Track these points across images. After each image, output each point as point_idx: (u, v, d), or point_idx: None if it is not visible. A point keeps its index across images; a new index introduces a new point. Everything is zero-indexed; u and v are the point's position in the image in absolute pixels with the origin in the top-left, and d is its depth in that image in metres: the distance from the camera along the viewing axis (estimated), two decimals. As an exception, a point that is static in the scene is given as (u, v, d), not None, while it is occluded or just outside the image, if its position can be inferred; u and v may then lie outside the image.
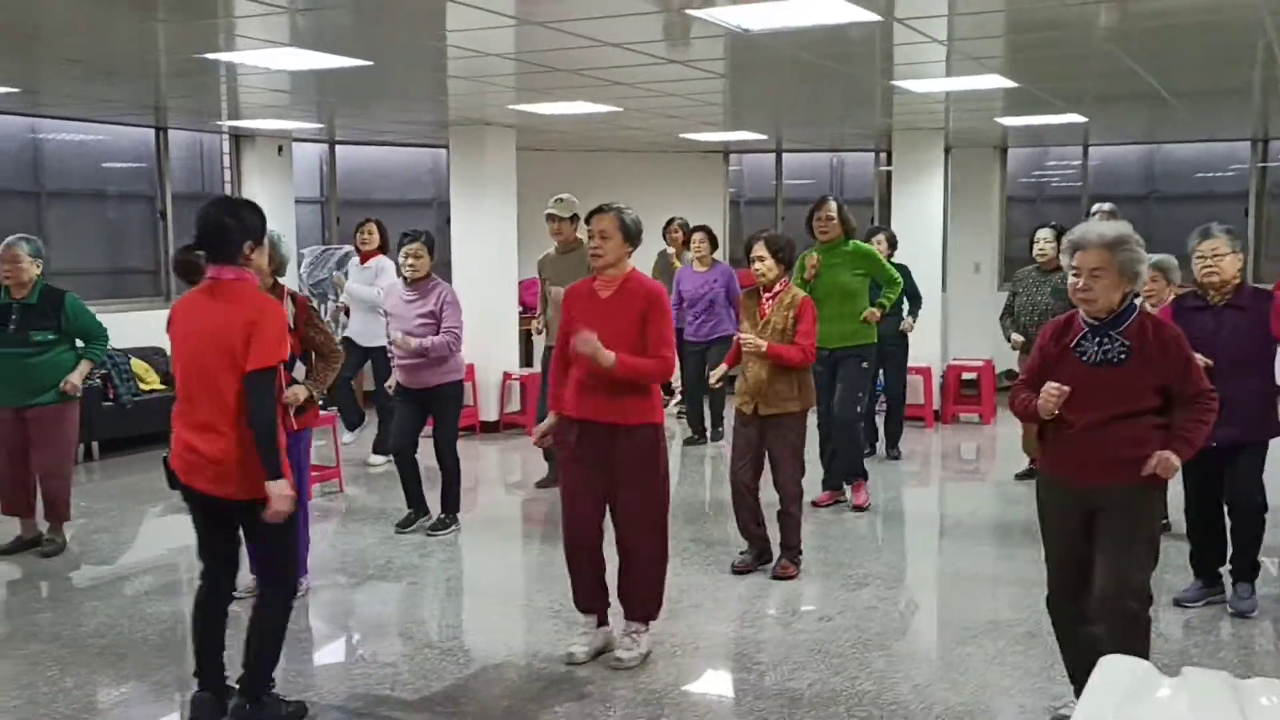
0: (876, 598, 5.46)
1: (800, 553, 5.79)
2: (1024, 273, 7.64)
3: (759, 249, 5.67)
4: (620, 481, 4.50)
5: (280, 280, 5.16)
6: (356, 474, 8.19)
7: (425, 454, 6.63)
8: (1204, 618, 5.10)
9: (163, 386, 9.02)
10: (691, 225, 9.63)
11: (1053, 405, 3.62)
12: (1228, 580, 5.21)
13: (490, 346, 9.70)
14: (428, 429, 6.60)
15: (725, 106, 9.00)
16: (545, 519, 7.10)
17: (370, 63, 6.46)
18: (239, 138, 10.67)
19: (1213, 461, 4.79)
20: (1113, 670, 2.47)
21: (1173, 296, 5.27)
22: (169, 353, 4.03)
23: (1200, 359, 3.87)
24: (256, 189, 10.47)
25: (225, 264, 3.87)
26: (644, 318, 4.50)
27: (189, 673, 4.52)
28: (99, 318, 6.29)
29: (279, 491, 3.75)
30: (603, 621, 4.73)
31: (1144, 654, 3.41)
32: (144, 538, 6.91)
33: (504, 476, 8.88)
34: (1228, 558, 5.20)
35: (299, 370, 5.02)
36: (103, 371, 8.48)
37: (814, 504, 6.97)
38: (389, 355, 6.77)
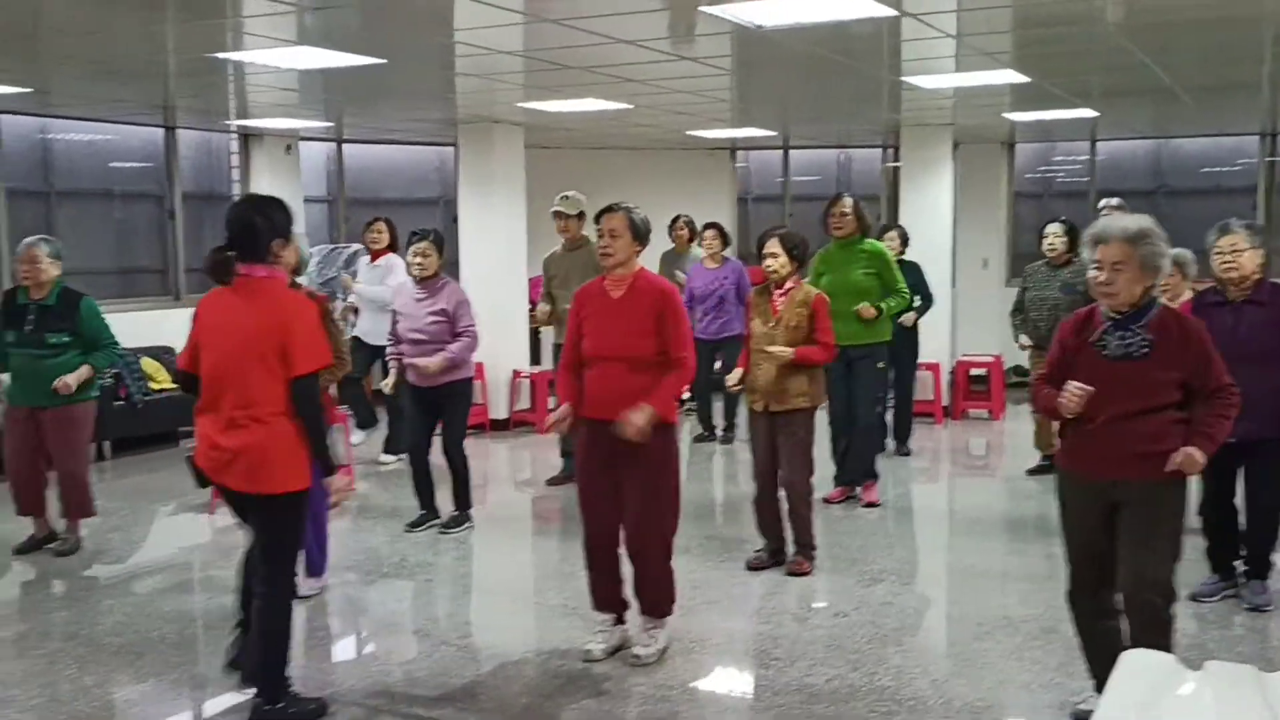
0: (891, 593, 5.46)
1: (814, 549, 5.80)
2: (1034, 268, 7.64)
3: (772, 245, 5.66)
4: (629, 479, 4.50)
5: (299, 280, 5.17)
6: (367, 472, 8.22)
7: (434, 453, 6.65)
8: (1219, 612, 5.10)
9: (173, 386, 9.02)
10: (699, 223, 9.63)
11: (1075, 405, 3.61)
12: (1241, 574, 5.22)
13: (500, 345, 9.70)
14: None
15: (734, 103, 9.00)
16: (557, 516, 7.11)
17: (381, 61, 6.47)
18: (247, 137, 10.68)
19: (1230, 457, 4.78)
20: (1136, 664, 2.47)
21: (1189, 291, 5.26)
22: (193, 350, 4.02)
23: None
24: (265, 188, 10.46)
25: (255, 262, 3.90)
26: (659, 318, 4.50)
27: (207, 671, 4.56)
28: (109, 318, 6.29)
29: (339, 485, 4.09)
30: (620, 620, 4.73)
31: (1167, 649, 3.41)
32: (156, 536, 6.93)
33: (514, 474, 8.89)
34: (1243, 553, 5.20)
35: None
36: (114, 371, 8.49)
37: (826, 500, 6.98)
38: (387, 355, 6.77)
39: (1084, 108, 8.96)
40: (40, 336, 5.98)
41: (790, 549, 5.80)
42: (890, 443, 8.63)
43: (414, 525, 6.63)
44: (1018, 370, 10.67)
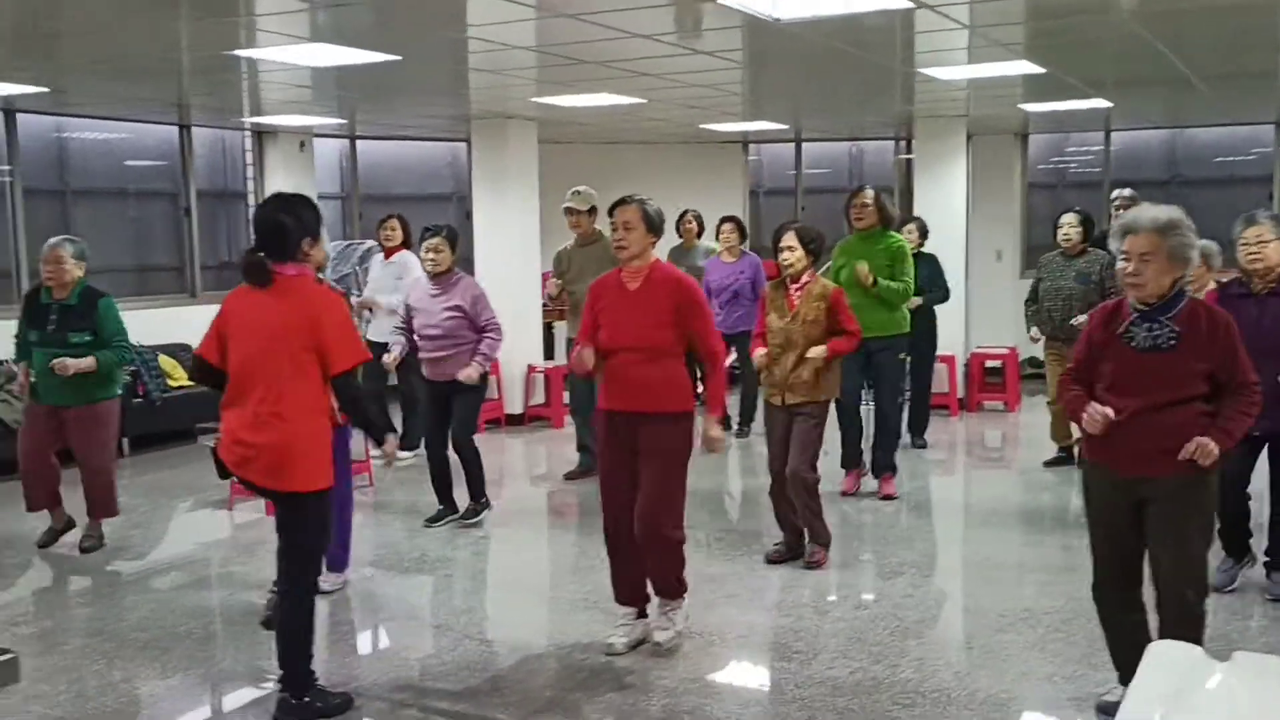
0: (911, 585, 5.47)
1: (828, 541, 5.77)
2: (1049, 258, 7.63)
3: (788, 239, 5.66)
4: (647, 465, 4.51)
5: (321, 277, 5.19)
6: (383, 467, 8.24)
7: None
8: (1241, 603, 5.09)
9: (190, 383, 9.06)
10: (711, 217, 9.62)
11: (1097, 430, 3.60)
12: (1260, 568, 5.21)
13: (514, 340, 9.65)
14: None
15: (746, 96, 8.99)
16: (574, 511, 7.13)
17: (394, 57, 6.48)
18: (261, 134, 10.72)
19: (1251, 447, 4.77)
20: (1163, 656, 2.47)
21: (1213, 282, 5.24)
22: (217, 341, 4.04)
23: None
24: (279, 185, 10.49)
25: (286, 261, 3.92)
26: (677, 309, 4.52)
27: (234, 666, 4.59)
28: (125, 315, 6.28)
29: (390, 450, 4.34)
30: (642, 613, 4.74)
31: (1199, 644, 3.39)
32: (176, 533, 6.97)
33: (531, 469, 8.91)
34: (1263, 546, 5.19)
35: None
36: (132, 369, 8.52)
37: (842, 494, 6.98)
38: (392, 331, 6.81)
39: (1098, 98, 8.93)
40: (63, 336, 6.01)
41: (808, 542, 5.80)
42: (906, 435, 8.63)
43: (432, 520, 6.65)
44: (1033, 362, 10.64)
